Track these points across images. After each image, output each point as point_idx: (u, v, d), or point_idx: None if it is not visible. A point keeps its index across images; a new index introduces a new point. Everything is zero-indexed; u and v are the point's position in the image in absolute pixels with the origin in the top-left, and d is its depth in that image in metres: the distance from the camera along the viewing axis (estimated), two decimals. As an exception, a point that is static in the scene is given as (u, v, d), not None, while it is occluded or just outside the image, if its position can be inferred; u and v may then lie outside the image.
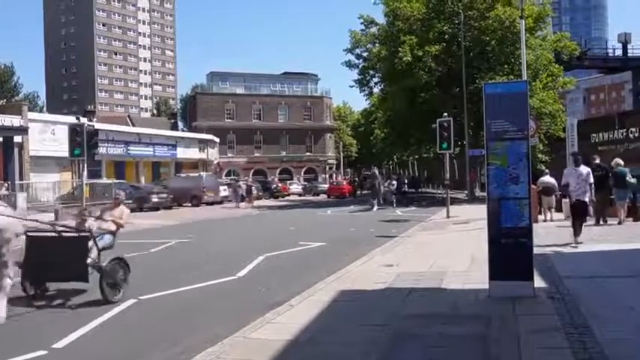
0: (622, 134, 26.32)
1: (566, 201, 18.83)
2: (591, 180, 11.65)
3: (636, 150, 22.29)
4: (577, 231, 11.54)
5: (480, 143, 30.70)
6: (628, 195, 15.60)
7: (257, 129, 69.39)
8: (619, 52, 55.38)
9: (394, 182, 33.68)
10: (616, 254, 10.32)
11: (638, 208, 16.50)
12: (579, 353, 4.95)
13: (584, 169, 11.67)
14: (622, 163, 15.54)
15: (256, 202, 38.03)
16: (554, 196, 18.70)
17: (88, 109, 49.86)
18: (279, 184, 53.44)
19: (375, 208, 28.98)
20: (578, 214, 11.71)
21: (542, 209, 18.88)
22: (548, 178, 18.97)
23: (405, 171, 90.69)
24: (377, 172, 33.69)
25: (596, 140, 28.06)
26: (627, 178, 15.03)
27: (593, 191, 11.96)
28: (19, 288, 8.06)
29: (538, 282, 7.52)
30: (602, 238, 11.45)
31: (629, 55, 54.40)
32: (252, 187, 39.77)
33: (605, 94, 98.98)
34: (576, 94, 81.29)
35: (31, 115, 33.92)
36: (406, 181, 56.93)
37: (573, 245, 11.34)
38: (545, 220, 18.19)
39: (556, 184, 18.76)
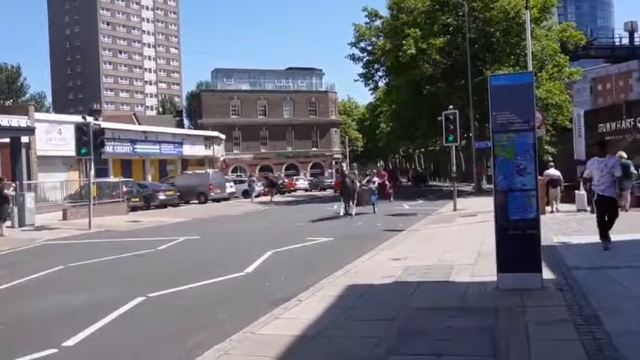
0: (630, 123, 26.22)
1: (581, 193, 19.02)
2: (618, 172, 9.97)
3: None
4: (603, 232, 9.95)
5: (487, 135, 30.63)
6: (631, 184, 16.26)
7: (262, 125, 69.39)
8: (625, 41, 54.95)
9: (375, 179, 25.35)
10: (624, 244, 10.26)
11: None
12: (588, 344, 4.93)
13: (610, 159, 10.05)
14: (625, 155, 16.10)
15: (263, 198, 38.06)
16: (559, 188, 19.24)
17: (93, 108, 50.15)
18: (286, 180, 53.43)
19: (342, 212, 22.39)
20: (604, 212, 9.99)
21: (549, 201, 19.05)
22: (553, 171, 19.46)
23: (411, 164, 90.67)
24: (345, 168, 26.25)
25: (604, 130, 28.00)
26: (632, 170, 15.73)
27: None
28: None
29: (546, 273, 7.50)
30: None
31: (635, 43, 53.95)
32: (274, 181, 40.13)
33: (612, 84, 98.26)
34: (583, 84, 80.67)
35: (38, 115, 34.06)
36: (412, 176, 56.63)
37: (602, 247, 9.86)
38: (552, 212, 18.23)
39: (561, 177, 19.30)
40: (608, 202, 9.94)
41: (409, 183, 68.71)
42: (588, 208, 18.17)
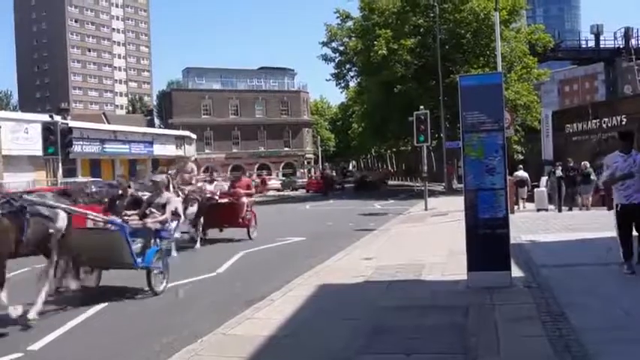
0: (595, 124, 26.80)
1: (540, 190, 19.70)
2: None
3: (609, 140, 23.02)
4: (628, 251, 7.63)
5: (457, 135, 30.93)
6: (592, 189, 18.68)
7: (234, 125, 68.96)
8: (592, 44, 55.94)
9: (166, 197, 9.36)
10: (590, 243, 10.45)
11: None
12: (555, 341, 5.02)
13: (638, 156, 7.71)
14: (588, 165, 19.01)
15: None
16: (526, 188, 20.65)
17: (61, 107, 49.20)
18: (257, 180, 53.11)
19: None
20: (630, 224, 7.69)
21: (519, 200, 19.86)
22: (522, 173, 20.84)
23: (383, 164, 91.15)
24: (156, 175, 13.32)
25: (571, 131, 28.55)
26: (591, 177, 18.39)
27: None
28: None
29: (515, 271, 7.61)
30: (577, 227, 11.53)
31: (601, 46, 55.02)
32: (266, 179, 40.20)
33: (578, 85, 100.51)
34: (550, 85, 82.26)
35: (4, 113, 33.39)
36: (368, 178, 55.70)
37: (626, 271, 7.54)
38: (518, 209, 18.97)
39: (529, 178, 21.12)
40: (637, 210, 7.64)
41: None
42: (551, 207, 18.79)
